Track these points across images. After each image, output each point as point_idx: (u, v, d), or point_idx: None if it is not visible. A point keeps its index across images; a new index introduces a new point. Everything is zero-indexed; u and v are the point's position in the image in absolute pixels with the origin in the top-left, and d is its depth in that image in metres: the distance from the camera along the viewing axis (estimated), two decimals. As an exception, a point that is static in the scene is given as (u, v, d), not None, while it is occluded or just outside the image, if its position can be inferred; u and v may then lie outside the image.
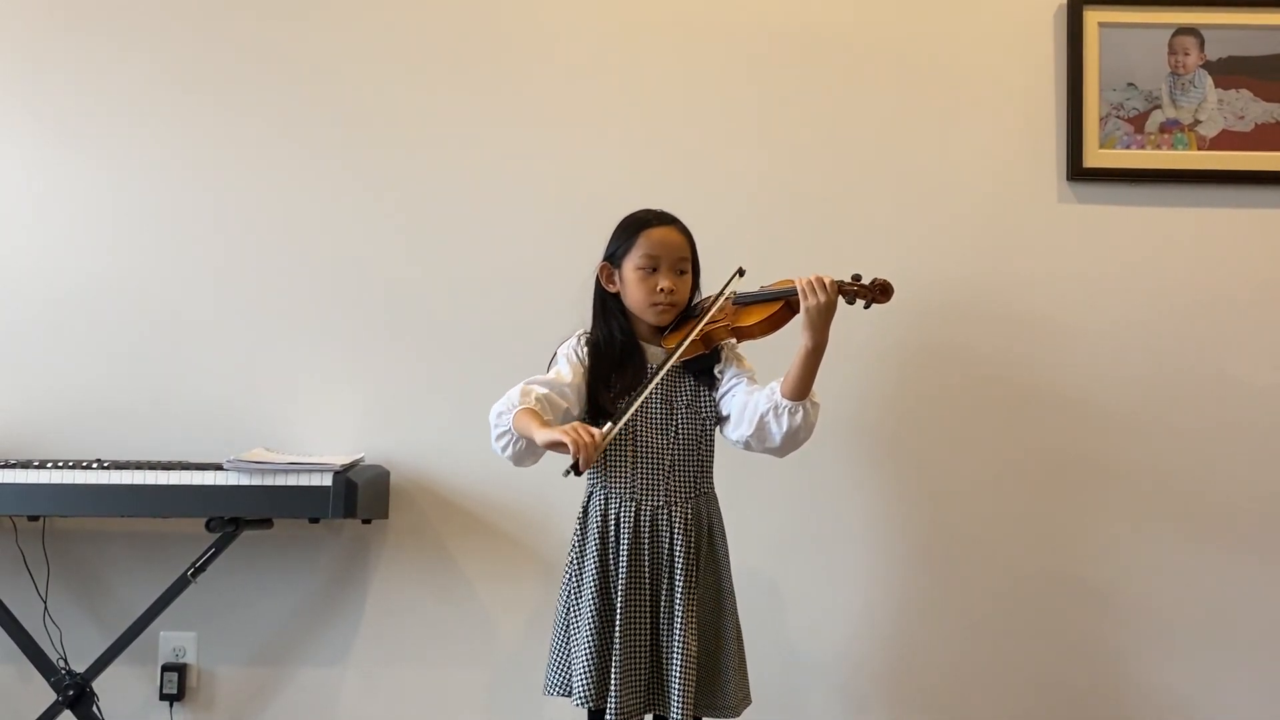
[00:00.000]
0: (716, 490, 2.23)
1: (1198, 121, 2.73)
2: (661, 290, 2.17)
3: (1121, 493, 2.68)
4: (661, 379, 2.12)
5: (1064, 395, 2.70)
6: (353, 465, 2.50)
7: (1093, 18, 2.72)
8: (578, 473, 1.96)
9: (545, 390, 2.11)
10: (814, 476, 2.66)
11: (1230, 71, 2.73)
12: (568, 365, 2.18)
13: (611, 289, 2.23)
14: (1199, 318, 2.71)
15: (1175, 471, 2.68)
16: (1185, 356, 2.70)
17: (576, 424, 2.01)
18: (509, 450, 2.11)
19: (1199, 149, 2.72)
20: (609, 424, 2.04)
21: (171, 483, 2.41)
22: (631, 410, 2.06)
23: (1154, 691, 2.64)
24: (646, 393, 2.09)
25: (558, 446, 1.97)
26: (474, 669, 2.68)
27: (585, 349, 2.21)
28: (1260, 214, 2.72)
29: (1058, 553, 2.68)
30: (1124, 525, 2.67)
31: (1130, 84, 2.73)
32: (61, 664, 2.53)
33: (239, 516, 2.43)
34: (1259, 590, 2.66)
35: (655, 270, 2.18)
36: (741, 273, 2.14)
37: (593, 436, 1.96)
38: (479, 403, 2.67)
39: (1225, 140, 2.72)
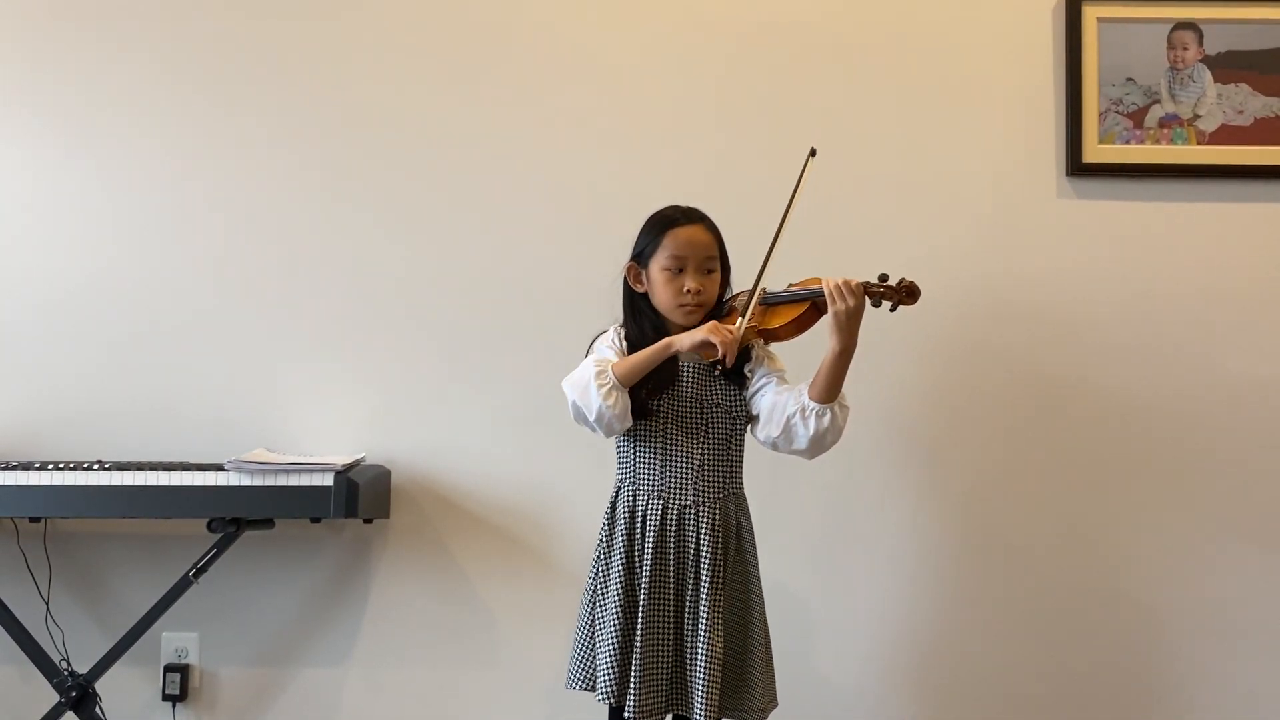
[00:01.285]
0: (746, 491, 2.22)
1: (1197, 116, 2.73)
2: (689, 291, 2.15)
3: (1133, 489, 2.68)
4: (691, 374, 2.14)
5: (1068, 392, 2.69)
6: (354, 465, 2.50)
7: (1091, 13, 2.72)
8: (724, 369, 2.07)
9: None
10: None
11: (1229, 66, 2.73)
12: (613, 354, 2.16)
13: (639, 289, 2.21)
14: (1200, 312, 2.70)
15: (1180, 467, 2.68)
16: (1186, 351, 2.70)
17: (714, 322, 2.07)
18: (617, 407, 2.06)
19: (1198, 144, 2.72)
20: (739, 319, 2.08)
21: (173, 483, 2.41)
22: (751, 307, 2.09)
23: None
24: (756, 296, 2.11)
25: (705, 347, 2.04)
26: (476, 669, 2.68)
27: (625, 343, 2.19)
28: (1260, 208, 2.71)
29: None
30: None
31: (1129, 79, 2.73)
32: (64, 665, 2.53)
33: (240, 517, 2.43)
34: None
35: (682, 271, 2.16)
36: (814, 153, 2.17)
37: (731, 332, 2.03)
38: (480, 402, 2.71)
39: (1224, 135, 2.72)
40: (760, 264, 2.12)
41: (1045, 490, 2.69)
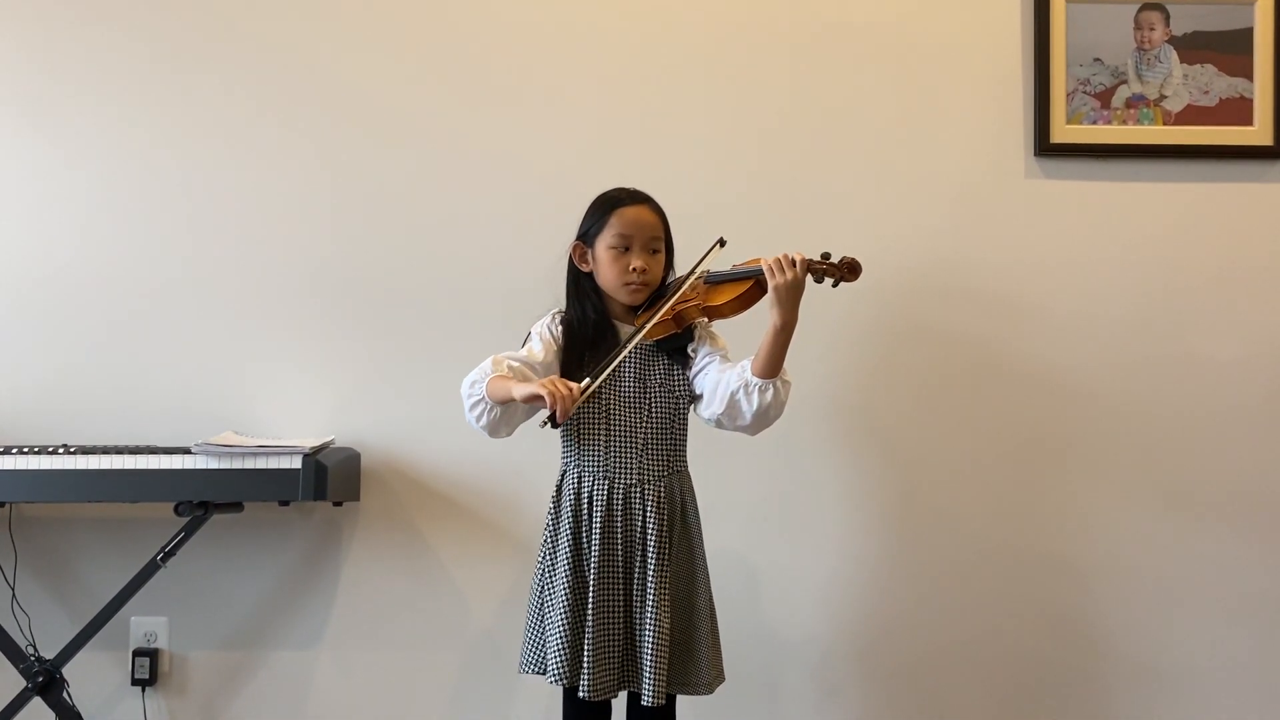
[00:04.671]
0: (690, 469, 2.23)
1: (1163, 96, 2.74)
2: (634, 270, 2.17)
3: (1092, 467, 2.71)
4: (634, 354, 2.15)
5: (1032, 371, 2.72)
6: (323, 448, 2.49)
7: (1059, -7, 2.73)
8: (554, 425, 2.03)
9: (516, 364, 2.14)
10: (787, 455, 2.67)
11: (1195, 46, 2.74)
12: (540, 343, 2.19)
13: (584, 268, 2.23)
14: (1165, 292, 2.73)
15: (1143, 446, 2.71)
16: (1151, 331, 2.72)
17: (553, 377, 2.05)
18: (484, 419, 2.12)
19: (1164, 124, 2.74)
20: (586, 379, 2.06)
21: (140, 467, 2.39)
22: (607, 371, 2.08)
23: (1130, 664, 2.68)
24: (623, 354, 2.10)
25: (535, 399, 2.01)
26: (447, 650, 2.68)
27: (559, 327, 2.21)
28: (1224, 188, 2.74)
29: (1031, 529, 2.70)
30: (1095, 500, 2.70)
31: (1097, 59, 2.74)
32: (30, 651, 2.51)
33: (208, 500, 2.41)
34: (1229, 561, 2.69)
35: (628, 250, 2.18)
36: (722, 243, 2.15)
37: (570, 389, 2.00)
38: (449, 384, 2.67)
39: (1190, 115, 2.74)
40: (690, 268, 2.15)
41: (1010, 469, 2.71)
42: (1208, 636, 2.69)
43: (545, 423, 2.04)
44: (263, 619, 2.69)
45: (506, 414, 2.12)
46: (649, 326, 2.12)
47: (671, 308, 2.14)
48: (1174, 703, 2.67)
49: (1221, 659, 2.68)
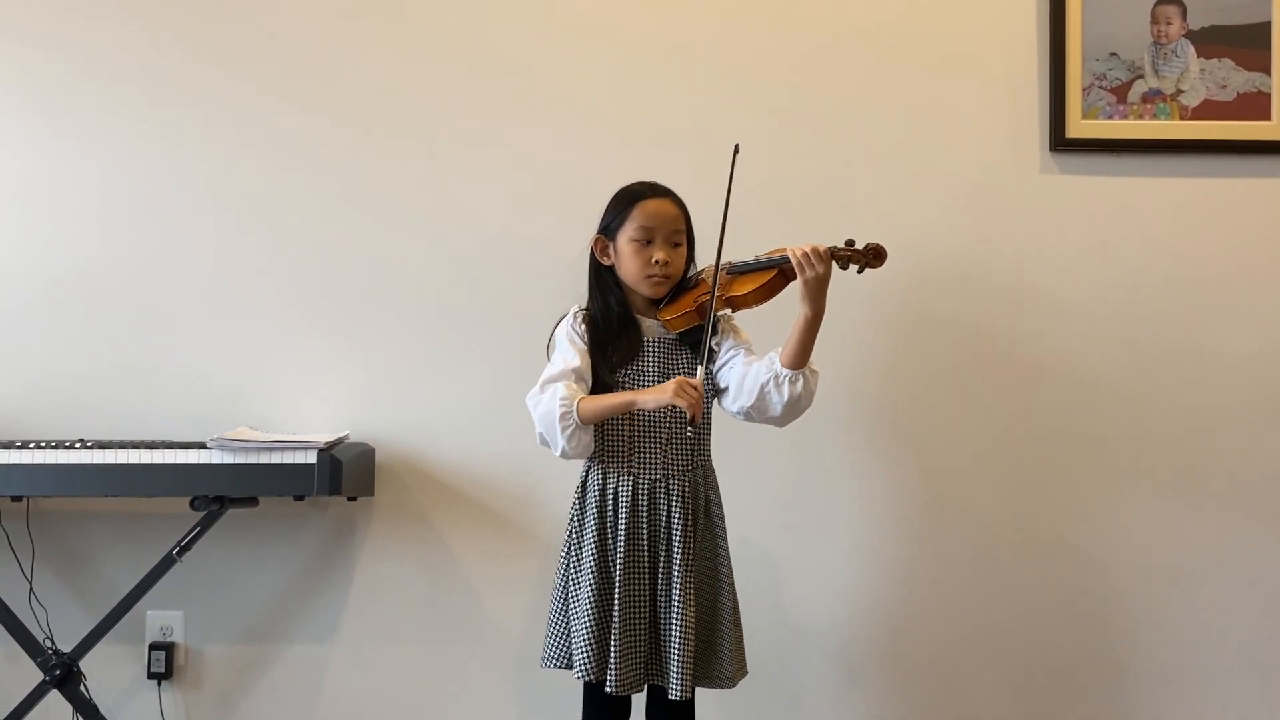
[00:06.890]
0: (713, 463, 2.24)
1: (1180, 91, 2.73)
2: (656, 262, 2.17)
3: (1108, 459, 2.70)
4: (657, 348, 2.18)
5: (1049, 365, 2.71)
6: (337, 443, 2.49)
7: (1075, -13, 2.72)
8: (694, 425, 2.07)
9: (574, 382, 2.14)
10: (807, 449, 2.67)
11: (1212, 40, 2.73)
12: (572, 349, 2.18)
13: (606, 261, 2.23)
14: (1181, 287, 2.72)
15: (1159, 440, 2.70)
16: (1167, 326, 2.71)
17: (679, 379, 2.06)
18: (580, 446, 2.12)
19: (1181, 119, 2.72)
20: (699, 370, 2.11)
21: (155, 462, 2.40)
22: (706, 351, 2.12)
23: (1148, 655, 2.68)
24: (709, 329, 2.13)
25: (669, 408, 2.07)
26: (461, 645, 2.69)
27: (583, 326, 2.21)
28: (1241, 184, 2.72)
29: (1050, 521, 2.69)
30: (1112, 491, 2.69)
31: (1113, 54, 2.72)
32: (48, 644, 2.53)
33: (224, 495, 2.42)
34: (1247, 553, 2.68)
35: (650, 242, 2.18)
36: (737, 150, 2.17)
37: (696, 387, 2.04)
38: (464, 379, 2.71)
39: (1207, 110, 2.72)
40: (715, 251, 2.15)
41: (1030, 463, 2.70)
42: (1226, 628, 2.68)
43: (691, 429, 2.08)
44: (278, 613, 2.70)
45: (586, 435, 2.13)
46: (710, 321, 2.12)
47: (699, 302, 2.14)
48: (1192, 693, 2.67)
49: (1240, 650, 2.67)
